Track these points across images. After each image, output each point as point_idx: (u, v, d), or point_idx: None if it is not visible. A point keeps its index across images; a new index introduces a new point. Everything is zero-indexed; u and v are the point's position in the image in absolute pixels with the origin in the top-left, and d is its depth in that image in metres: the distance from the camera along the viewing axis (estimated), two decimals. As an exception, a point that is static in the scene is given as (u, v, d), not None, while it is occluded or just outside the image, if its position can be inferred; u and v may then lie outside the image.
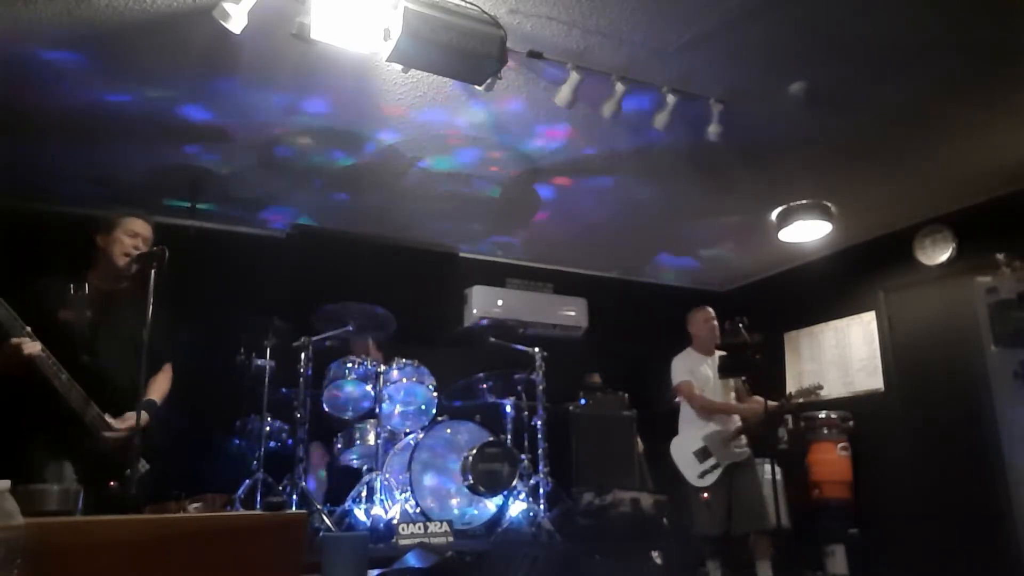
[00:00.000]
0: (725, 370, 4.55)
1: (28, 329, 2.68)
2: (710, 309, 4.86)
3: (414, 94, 3.86)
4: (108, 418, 2.84)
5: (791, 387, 6.29)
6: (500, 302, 6.05)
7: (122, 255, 3.02)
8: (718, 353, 4.73)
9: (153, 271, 2.84)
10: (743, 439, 4.57)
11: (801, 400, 4.59)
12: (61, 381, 2.74)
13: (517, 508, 4.63)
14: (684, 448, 4.61)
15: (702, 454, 4.53)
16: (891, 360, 5.74)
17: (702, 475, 4.49)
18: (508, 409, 5.10)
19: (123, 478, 2.77)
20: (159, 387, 3.15)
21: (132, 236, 3.05)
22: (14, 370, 2.66)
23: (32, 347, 2.66)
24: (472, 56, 2.97)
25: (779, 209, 5.42)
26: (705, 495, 4.44)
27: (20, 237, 4.37)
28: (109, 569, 1.42)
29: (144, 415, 2.87)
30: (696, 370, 4.67)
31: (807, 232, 5.52)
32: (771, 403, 4.37)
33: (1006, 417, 4.26)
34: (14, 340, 2.64)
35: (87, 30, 3.27)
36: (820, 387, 4.55)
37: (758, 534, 4.37)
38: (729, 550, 4.55)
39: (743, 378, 4.74)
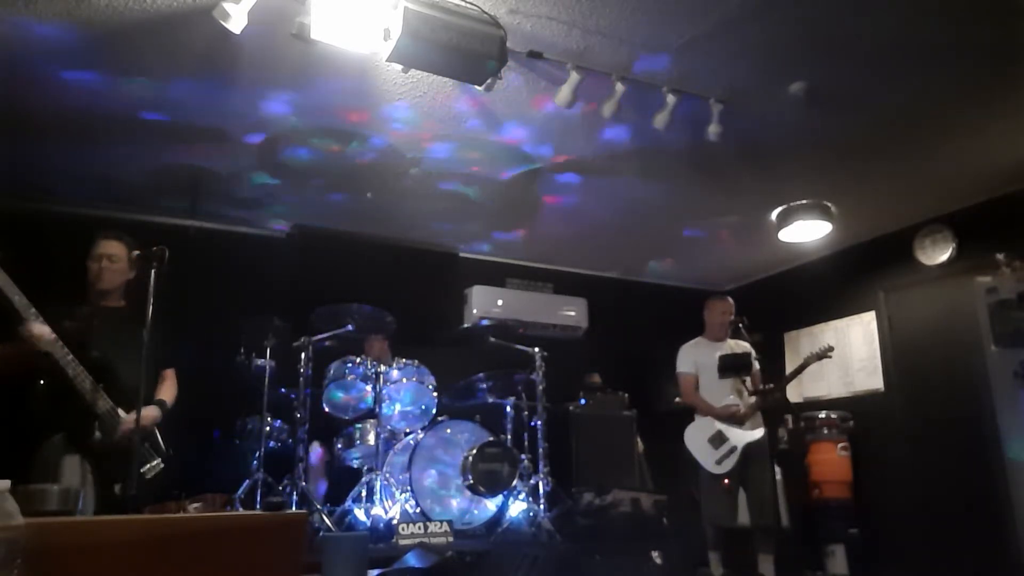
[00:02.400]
0: (725, 370, 4.53)
1: (40, 317, 2.74)
2: (730, 301, 4.81)
3: (414, 94, 3.86)
4: (120, 412, 2.89)
5: (791, 387, 6.29)
6: (500, 302, 6.05)
7: (93, 280, 3.12)
8: (729, 342, 4.72)
9: (153, 271, 2.86)
10: (759, 419, 4.51)
11: (810, 364, 4.55)
12: (75, 370, 2.78)
13: (517, 508, 4.63)
14: (699, 436, 4.55)
15: (717, 439, 4.48)
16: (891, 360, 5.74)
17: (719, 461, 4.42)
18: (508, 409, 5.10)
19: (138, 474, 2.81)
20: (168, 391, 3.22)
21: (96, 260, 3.13)
22: (28, 359, 2.70)
23: (43, 329, 2.72)
24: (472, 56, 2.97)
25: (779, 209, 5.42)
26: (726, 481, 4.37)
27: (20, 237, 4.36)
28: (109, 569, 1.42)
29: (156, 411, 2.93)
30: (704, 358, 4.66)
31: (807, 232, 5.52)
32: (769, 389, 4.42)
33: (1006, 417, 4.26)
34: (28, 324, 2.69)
35: (87, 30, 3.27)
36: (831, 348, 4.52)
37: (764, 530, 4.36)
38: (731, 544, 4.51)
39: (757, 367, 4.72)
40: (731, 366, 4.51)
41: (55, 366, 2.77)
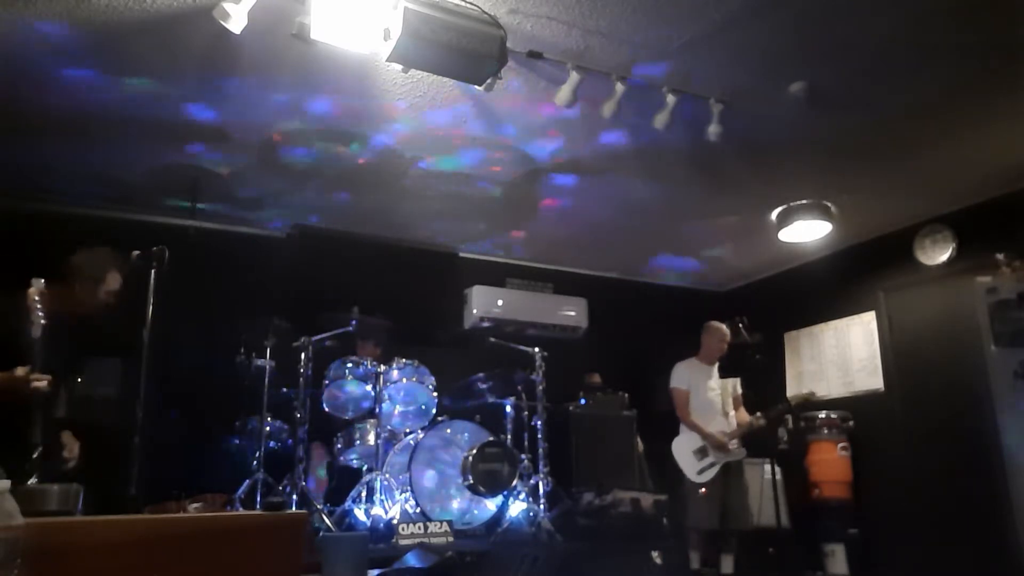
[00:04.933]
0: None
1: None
2: (727, 329, 5.01)
3: (414, 94, 3.86)
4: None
5: (791, 388, 6.33)
6: (500, 302, 6.04)
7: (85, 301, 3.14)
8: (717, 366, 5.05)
9: (153, 271, 2.85)
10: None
11: (790, 408, 4.89)
12: (36, 424, 2.76)
13: (517, 508, 4.63)
14: (685, 447, 4.86)
15: (701, 452, 4.79)
16: (891, 360, 5.74)
17: (701, 472, 4.76)
18: (508, 409, 5.10)
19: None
20: None
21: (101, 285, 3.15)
22: (11, 394, 2.69)
23: (43, 382, 2.70)
24: (472, 56, 2.97)
25: (779, 209, 5.42)
26: (703, 490, 4.71)
27: (20, 237, 4.37)
28: (109, 569, 1.42)
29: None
30: (697, 378, 4.96)
31: (807, 232, 5.52)
32: (755, 420, 4.80)
33: (1006, 417, 4.26)
34: (20, 371, 2.68)
35: (87, 30, 3.27)
36: (812, 394, 4.83)
37: (732, 533, 4.74)
38: (712, 545, 4.83)
39: (740, 390, 5.07)
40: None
41: (22, 405, 2.75)
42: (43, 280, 2.77)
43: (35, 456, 2.77)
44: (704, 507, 4.70)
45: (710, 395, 4.92)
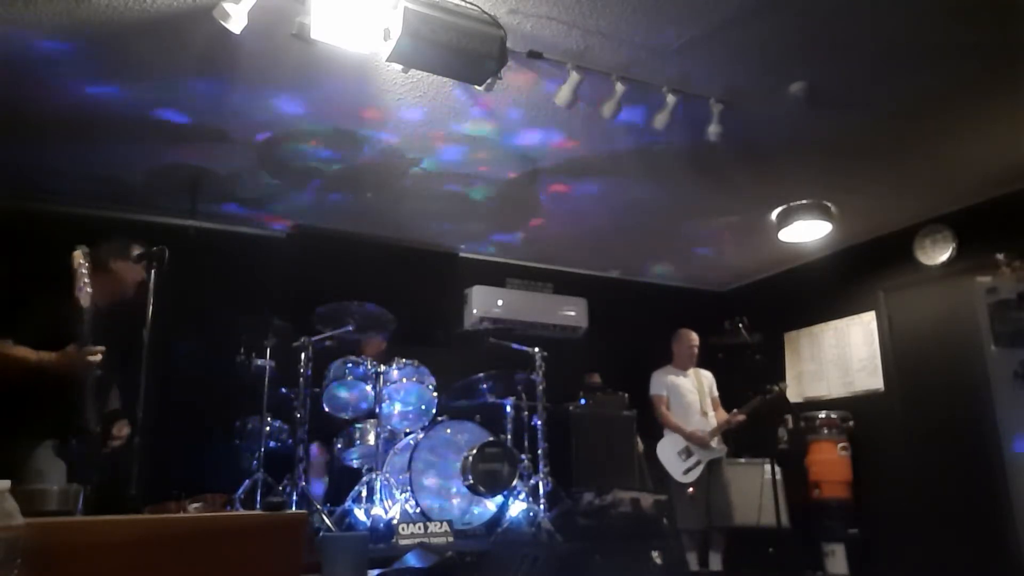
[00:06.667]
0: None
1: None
2: (695, 336, 5.43)
3: (414, 94, 3.86)
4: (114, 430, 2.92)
5: (791, 388, 6.35)
6: (500, 302, 6.05)
7: (131, 284, 3.11)
8: (692, 369, 5.42)
9: (153, 271, 2.86)
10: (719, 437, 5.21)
11: (764, 401, 5.00)
12: (91, 392, 2.79)
13: (517, 508, 4.62)
14: (669, 449, 5.15)
15: (685, 453, 5.08)
16: (891, 360, 5.74)
17: (686, 472, 5.06)
18: (508, 409, 5.10)
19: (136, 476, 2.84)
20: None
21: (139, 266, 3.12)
22: (68, 369, 2.73)
23: (95, 356, 2.73)
24: (472, 56, 2.97)
25: (779, 209, 5.43)
26: (691, 490, 4.95)
27: (20, 237, 4.37)
28: (109, 569, 1.42)
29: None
30: (673, 383, 5.36)
31: (807, 232, 5.52)
32: (733, 416, 5.14)
33: (1006, 417, 4.26)
34: (71, 349, 2.72)
35: (87, 30, 3.27)
36: (782, 386, 5.02)
37: (717, 529, 4.96)
38: (706, 543, 5.07)
39: (716, 392, 5.42)
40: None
41: (77, 382, 2.77)
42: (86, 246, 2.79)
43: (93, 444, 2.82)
44: (691, 508, 4.93)
45: (689, 398, 5.28)
